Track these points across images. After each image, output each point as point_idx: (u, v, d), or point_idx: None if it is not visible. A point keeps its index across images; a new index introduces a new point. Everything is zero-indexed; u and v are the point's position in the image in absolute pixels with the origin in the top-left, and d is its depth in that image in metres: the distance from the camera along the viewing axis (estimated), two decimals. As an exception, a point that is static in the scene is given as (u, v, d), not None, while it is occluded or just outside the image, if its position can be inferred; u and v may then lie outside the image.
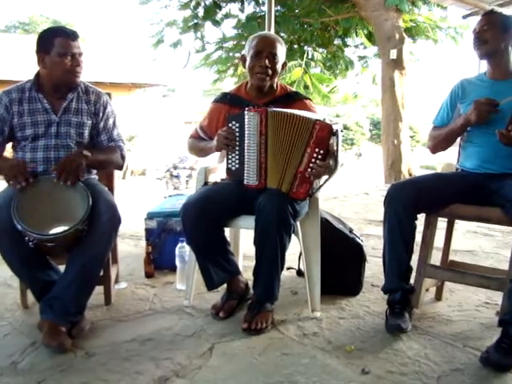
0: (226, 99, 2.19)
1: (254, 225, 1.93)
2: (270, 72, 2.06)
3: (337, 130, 1.84)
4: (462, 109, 2.08)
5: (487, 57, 2.03)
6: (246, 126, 1.92)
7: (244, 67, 2.15)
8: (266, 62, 2.04)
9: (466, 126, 2.02)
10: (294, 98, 2.16)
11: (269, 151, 1.93)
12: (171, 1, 9.17)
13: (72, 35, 1.97)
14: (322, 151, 1.85)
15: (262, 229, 1.92)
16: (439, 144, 2.16)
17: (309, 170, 1.87)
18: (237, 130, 1.95)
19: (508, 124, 1.80)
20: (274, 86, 2.17)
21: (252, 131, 1.91)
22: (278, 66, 2.09)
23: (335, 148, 1.86)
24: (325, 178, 1.94)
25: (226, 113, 2.11)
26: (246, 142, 1.93)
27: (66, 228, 1.77)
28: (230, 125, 1.97)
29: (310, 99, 2.22)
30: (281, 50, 2.08)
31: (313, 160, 1.86)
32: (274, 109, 1.92)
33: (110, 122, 2.17)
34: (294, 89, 2.32)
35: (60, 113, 2.03)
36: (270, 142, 1.92)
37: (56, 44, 1.93)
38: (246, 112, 1.91)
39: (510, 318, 1.70)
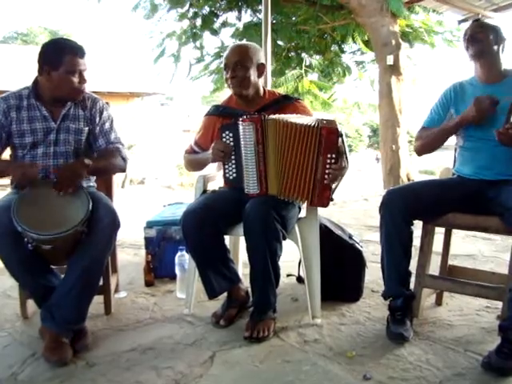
0: (218, 111, 2.19)
1: (243, 233, 1.94)
2: (239, 80, 2.07)
3: (341, 130, 1.86)
4: (455, 113, 2.06)
5: (479, 56, 2.00)
6: (241, 137, 1.91)
7: None
8: (230, 73, 2.07)
9: (461, 125, 2.00)
10: (284, 102, 2.15)
11: (268, 159, 1.93)
12: (168, 12, 9.23)
13: (80, 52, 1.97)
14: (334, 155, 1.86)
15: (249, 236, 1.92)
16: (427, 144, 2.13)
17: (326, 176, 1.88)
18: (231, 139, 1.94)
19: (505, 122, 1.78)
20: (261, 92, 2.18)
21: (248, 141, 1.91)
22: (249, 73, 2.08)
23: (343, 148, 1.88)
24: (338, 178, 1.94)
25: (219, 125, 2.09)
26: (242, 151, 1.92)
27: (66, 228, 1.77)
28: (224, 135, 1.96)
29: (299, 99, 2.22)
30: (246, 57, 2.07)
31: (327, 166, 1.87)
32: (271, 116, 1.92)
33: (107, 125, 2.15)
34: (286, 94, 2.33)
35: (59, 120, 2.03)
36: (269, 150, 1.92)
37: (65, 61, 1.92)
38: (240, 123, 1.91)
39: (509, 323, 1.70)
